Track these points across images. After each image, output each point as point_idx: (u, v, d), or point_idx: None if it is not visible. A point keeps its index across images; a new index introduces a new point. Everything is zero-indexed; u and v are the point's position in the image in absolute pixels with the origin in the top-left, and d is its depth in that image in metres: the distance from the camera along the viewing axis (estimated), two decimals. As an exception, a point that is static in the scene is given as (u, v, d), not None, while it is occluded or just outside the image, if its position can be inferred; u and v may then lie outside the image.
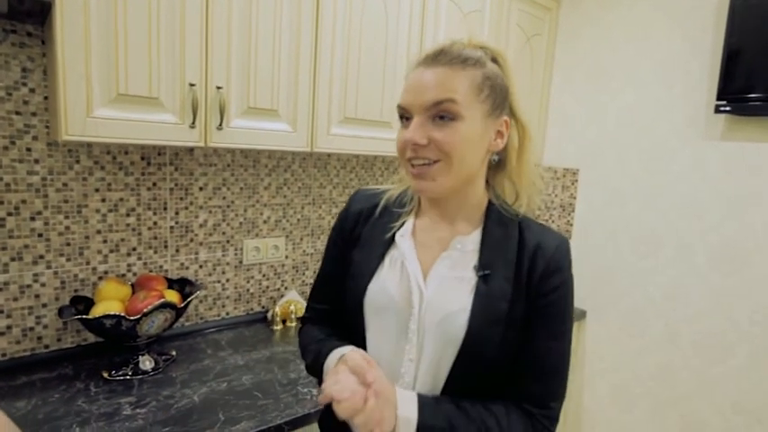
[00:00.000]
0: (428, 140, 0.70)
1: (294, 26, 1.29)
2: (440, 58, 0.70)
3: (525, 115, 0.77)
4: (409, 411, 0.68)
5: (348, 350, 0.76)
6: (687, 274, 1.76)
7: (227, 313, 1.63)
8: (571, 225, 2.09)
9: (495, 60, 0.75)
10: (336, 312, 0.88)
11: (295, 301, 1.69)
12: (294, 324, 1.65)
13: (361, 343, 0.81)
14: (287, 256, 1.75)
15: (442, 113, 0.69)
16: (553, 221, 2.16)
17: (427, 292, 0.75)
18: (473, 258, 0.76)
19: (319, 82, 1.36)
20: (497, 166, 0.80)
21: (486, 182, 0.80)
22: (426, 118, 0.70)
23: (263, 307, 1.71)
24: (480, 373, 0.73)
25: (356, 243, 0.85)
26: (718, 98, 1.57)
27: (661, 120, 1.80)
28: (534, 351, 0.73)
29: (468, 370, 0.73)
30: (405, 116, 0.74)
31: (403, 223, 0.82)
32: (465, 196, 0.77)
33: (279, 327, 1.62)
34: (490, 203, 0.79)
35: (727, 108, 1.56)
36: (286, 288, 1.76)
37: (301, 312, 1.70)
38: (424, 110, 0.70)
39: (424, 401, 0.70)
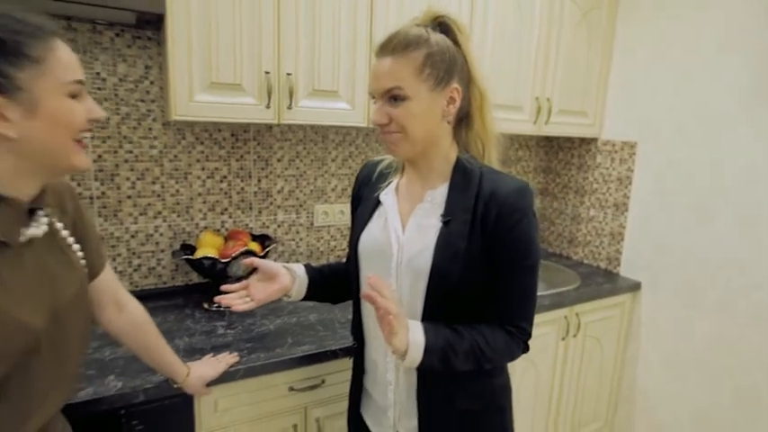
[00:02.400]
0: (388, 119, 0.85)
1: (351, 16, 1.50)
2: (387, 46, 0.84)
3: (481, 78, 0.89)
4: (418, 335, 0.83)
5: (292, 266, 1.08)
6: (744, 244, 1.74)
7: (301, 267, 1.92)
8: (628, 198, 2.12)
9: (446, 28, 0.86)
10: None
11: (358, 260, 1.93)
12: (356, 279, 1.90)
13: (356, 280, 1.02)
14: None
15: (393, 96, 0.84)
16: (610, 194, 2.20)
17: (403, 238, 0.93)
18: (441, 208, 0.90)
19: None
20: (465, 123, 0.92)
21: (457, 140, 0.94)
22: (385, 101, 0.86)
23: (331, 264, 1.98)
24: (448, 301, 0.89)
25: (359, 203, 1.06)
26: (781, 64, 1.53)
27: (723, 89, 1.76)
28: (503, 283, 0.88)
29: (437, 298, 0.89)
30: (373, 98, 0.90)
31: (389, 184, 1.01)
32: (431, 156, 0.91)
33: (343, 280, 1.88)
34: (457, 160, 0.92)
35: (790, 74, 1.52)
36: (351, 249, 2.01)
37: (363, 269, 1.95)
38: (381, 95, 0.86)
39: (427, 327, 0.85)
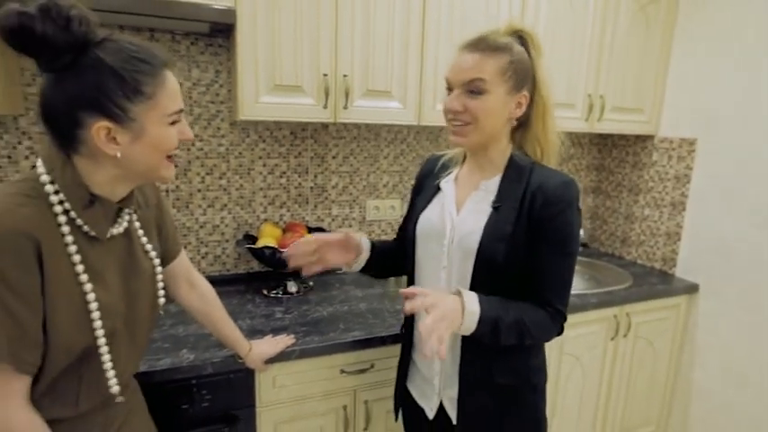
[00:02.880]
0: (463, 108, 0.94)
1: (404, 20, 1.57)
2: (477, 44, 0.94)
3: (547, 91, 0.99)
4: (473, 305, 0.90)
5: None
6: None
7: (353, 259, 2.02)
8: (686, 197, 2.06)
9: (524, 41, 0.97)
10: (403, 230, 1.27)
11: (407, 254, 2.00)
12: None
13: (412, 259, 1.12)
14: (402, 216, 2.05)
15: (473, 88, 0.93)
16: (666, 193, 2.14)
17: (457, 220, 1.02)
18: (493, 196, 1.00)
19: (426, 66, 1.62)
20: (525, 127, 1.02)
21: (513, 140, 1.03)
22: (463, 91, 0.95)
23: (381, 257, 2.06)
24: (493, 278, 0.97)
25: (420, 192, 1.18)
26: None
27: (791, 84, 1.68)
28: (543, 266, 0.96)
29: (483, 275, 0.97)
30: (449, 87, 0.99)
31: (449, 174, 1.11)
32: (490, 150, 1.01)
33: (392, 273, 1.96)
34: (512, 155, 1.02)
35: None
36: (400, 243, 2.08)
37: (412, 263, 2.02)
38: (461, 84, 0.95)
39: (481, 298, 0.92)
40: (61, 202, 0.74)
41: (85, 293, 0.76)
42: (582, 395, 1.93)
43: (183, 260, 1.10)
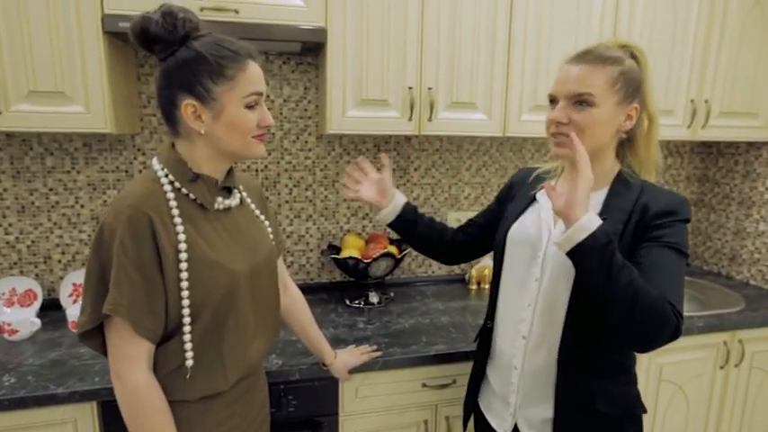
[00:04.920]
0: (568, 120, 0.91)
1: (490, 31, 1.55)
2: (584, 56, 0.92)
3: (654, 106, 0.95)
4: (596, 217, 0.82)
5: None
6: None
7: (433, 272, 2.00)
8: (811, 211, 1.82)
9: (634, 57, 0.94)
10: (471, 226, 1.29)
11: (489, 267, 1.95)
12: (487, 286, 1.92)
13: (498, 266, 1.09)
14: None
15: (580, 101, 0.90)
16: (787, 206, 1.90)
17: (555, 231, 0.98)
18: (596, 210, 0.93)
19: (512, 76, 1.58)
20: (628, 143, 0.98)
21: (619, 156, 0.99)
22: (568, 103, 0.91)
23: (462, 270, 2.03)
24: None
25: (512, 200, 1.15)
26: None
27: None
28: (651, 263, 0.86)
29: (583, 291, 0.91)
30: (553, 101, 0.96)
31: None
32: (594, 164, 0.91)
33: (474, 287, 1.92)
34: (619, 172, 0.97)
35: None
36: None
37: (494, 277, 1.96)
38: (566, 97, 0.91)
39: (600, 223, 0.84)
40: (171, 183, 0.85)
41: (197, 253, 0.83)
42: (687, 427, 1.76)
43: (280, 262, 1.15)
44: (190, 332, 0.83)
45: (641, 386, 1.04)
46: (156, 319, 0.81)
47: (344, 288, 1.82)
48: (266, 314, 0.99)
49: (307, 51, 1.62)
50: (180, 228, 0.82)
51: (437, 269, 2.00)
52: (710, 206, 2.25)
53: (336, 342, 1.40)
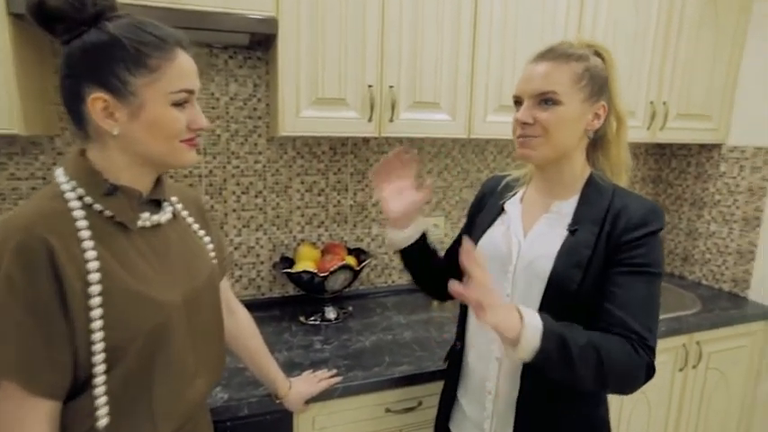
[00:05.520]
0: (533, 120, 0.86)
1: (455, 27, 1.45)
2: (547, 54, 0.87)
3: (623, 106, 0.91)
4: (534, 318, 0.76)
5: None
6: None
7: (393, 281, 1.90)
8: (761, 211, 1.86)
9: (599, 56, 0.89)
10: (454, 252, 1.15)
11: (451, 275, 1.87)
12: (450, 295, 1.84)
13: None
14: (446, 234, 1.93)
15: (545, 99, 0.85)
16: (737, 207, 1.94)
17: (524, 244, 0.93)
18: (567, 219, 0.90)
19: (477, 75, 1.50)
20: (599, 145, 0.94)
21: (589, 158, 0.94)
22: (533, 103, 0.87)
23: (424, 278, 1.93)
24: (564, 308, 0.84)
25: (480, 211, 1.09)
26: None
27: None
28: (622, 292, 0.82)
29: (553, 304, 0.86)
30: (518, 102, 0.91)
31: (514, 194, 1.02)
32: (563, 167, 0.92)
33: (436, 296, 1.83)
34: (590, 176, 0.93)
35: None
36: (444, 263, 1.95)
37: (457, 285, 1.88)
38: (531, 97, 0.87)
39: (542, 314, 0.78)
40: (80, 198, 0.69)
41: (115, 284, 0.67)
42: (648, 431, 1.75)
43: (225, 282, 1.00)
44: (105, 382, 0.67)
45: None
46: (58, 372, 0.64)
47: (299, 303, 1.68)
48: (208, 347, 0.83)
49: (256, 44, 1.46)
50: (91, 254, 0.65)
51: (397, 278, 1.90)
52: (664, 207, 2.28)
53: (291, 367, 1.26)
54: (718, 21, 1.83)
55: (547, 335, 0.75)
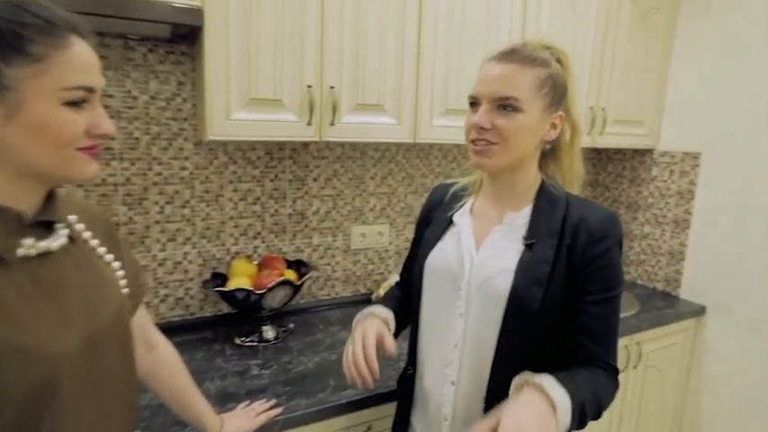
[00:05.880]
0: (492, 125, 0.81)
1: (399, 26, 1.37)
2: (510, 55, 0.82)
3: (578, 114, 0.88)
4: (563, 398, 0.71)
5: (374, 309, 0.99)
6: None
7: (336, 293, 1.79)
8: (689, 214, 1.94)
9: (559, 61, 0.85)
10: (404, 272, 1.10)
11: (398, 285, 1.79)
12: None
13: (417, 302, 0.96)
14: (390, 242, 1.86)
15: (505, 104, 0.80)
16: (669, 210, 2.02)
17: (477, 258, 0.87)
18: (522, 231, 0.86)
19: (422, 77, 1.43)
20: (551, 154, 0.90)
21: (541, 167, 0.91)
22: (492, 107, 0.81)
23: (369, 289, 1.84)
24: (525, 329, 0.82)
25: (428, 224, 1.02)
26: None
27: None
28: (591, 318, 0.81)
29: (515, 326, 0.82)
30: (474, 103, 0.85)
31: (463, 204, 0.96)
32: (517, 176, 0.87)
33: (383, 308, 1.74)
34: (542, 184, 0.89)
35: None
36: (389, 272, 1.87)
37: (403, 295, 1.81)
38: (490, 100, 0.81)
39: (563, 381, 0.73)
40: None
41: None
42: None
43: (140, 312, 0.85)
44: None
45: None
46: None
47: (234, 322, 1.53)
48: (115, 398, 0.68)
49: (179, 37, 1.30)
50: None
51: (341, 290, 1.80)
52: (600, 210, 2.34)
53: (224, 399, 1.12)
54: (649, 35, 1.89)
55: (574, 410, 0.72)
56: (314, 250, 1.72)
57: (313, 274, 1.51)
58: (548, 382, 0.73)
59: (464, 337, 0.87)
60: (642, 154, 2.11)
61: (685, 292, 1.99)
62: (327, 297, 1.78)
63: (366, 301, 1.80)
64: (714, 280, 1.89)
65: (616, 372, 0.84)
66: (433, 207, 1.03)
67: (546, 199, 0.87)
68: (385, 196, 1.82)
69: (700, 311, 1.92)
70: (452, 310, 0.89)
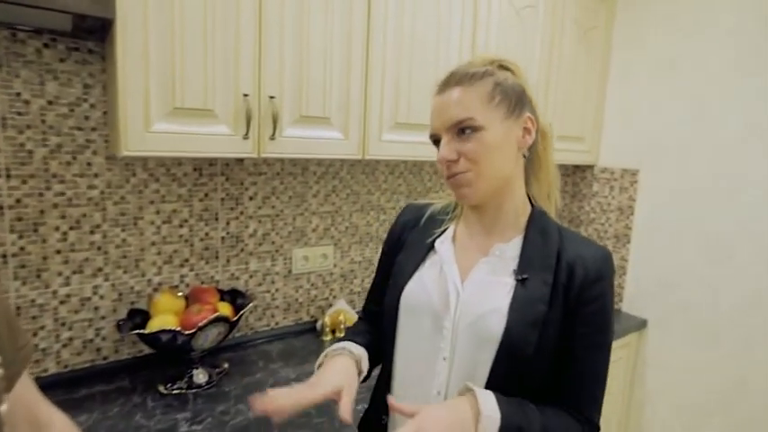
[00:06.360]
0: (457, 154, 0.75)
1: (345, 34, 1.26)
2: (450, 80, 0.77)
3: (542, 118, 0.81)
4: (491, 405, 0.68)
5: (347, 345, 0.84)
6: (766, 280, 1.62)
7: (277, 323, 1.62)
8: (630, 229, 1.98)
9: (506, 69, 0.79)
10: (371, 303, 0.97)
11: (344, 311, 1.65)
12: (343, 335, 1.62)
13: (391, 341, 0.85)
14: (335, 265, 1.71)
15: (463, 128, 0.74)
16: (610, 225, 2.05)
17: (464, 293, 0.78)
18: (512, 264, 0.78)
19: (371, 88, 1.32)
20: (530, 166, 0.82)
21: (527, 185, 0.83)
22: (452, 136, 0.75)
23: (312, 317, 1.69)
24: (517, 374, 0.73)
25: (401, 248, 0.90)
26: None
27: (737, 113, 1.66)
28: (576, 362, 0.75)
29: (507, 371, 0.73)
30: (436, 141, 0.79)
31: (444, 230, 0.86)
32: (503, 201, 0.79)
33: (328, 337, 1.59)
34: (533, 211, 0.81)
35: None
36: (335, 297, 1.73)
37: (350, 322, 1.67)
38: (447, 130, 0.76)
39: (499, 398, 0.70)
40: None
41: None
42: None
43: (23, 384, 0.65)
44: None
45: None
46: None
47: (157, 366, 1.32)
48: None
49: (85, 32, 1.09)
50: None
51: (281, 319, 1.63)
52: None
53: (146, 468, 0.93)
54: (589, 53, 1.93)
55: (504, 427, 0.67)
56: (251, 277, 1.53)
57: (251, 306, 1.33)
58: (484, 393, 0.70)
59: (448, 383, 0.78)
60: (583, 170, 2.14)
61: (627, 306, 2.02)
62: (267, 328, 1.60)
63: (310, 330, 1.65)
64: (654, 294, 1.93)
65: (593, 428, 0.76)
66: (405, 229, 0.92)
67: (537, 229, 0.79)
68: (329, 215, 1.67)
69: (641, 325, 1.95)
70: (435, 353, 0.79)
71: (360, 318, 1.03)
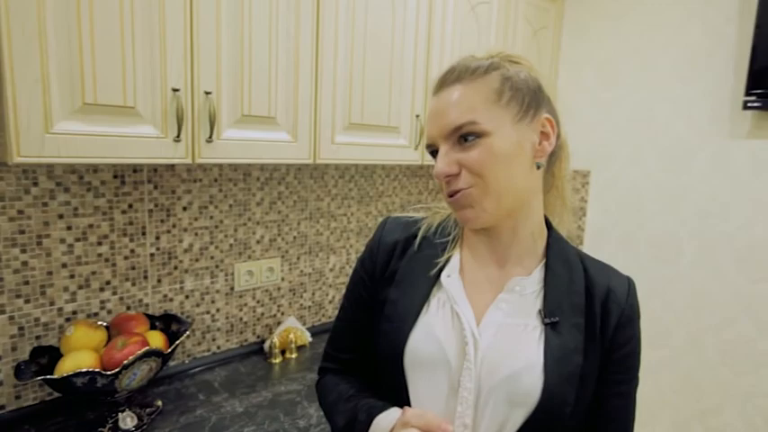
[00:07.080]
0: (458, 167, 0.61)
1: (292, 22, 1.11)
2: (448, 77, 0.63)
3: (560, 127, 0.67)
4: None
5: (398, 413, 0.62)
6: (712, 279, 1.66)
7: (219, 347, 1.44)
8: (582, 230, 1.98)
9: (514, 62, 0.65)
10: (364, 363, 0.75)
11: (294, 329, 1.50)
12: (295, 355, 1.47)
13: (400, 404, 0.65)
14: (283, 279, 1.56)
15: (464, 134, 0.61)
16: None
17: (483, 342, 0.63)
18: (535, 302, 0.65)
19: (322, 85, 1.19)
20: (545, 181, 0.69)
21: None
22: (452, 144, 0.62)
23: (259, 337, 1.52)
24: None
25: (391, 280, 0.71)
26: (747, 93, 1.47)
27: (680, 117, 1.69)
28: (609, 416, 0.66)
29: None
30: (433, 151, 0.66)
31: (449, 258, 0.70)
32: (518, 223, 0.66)
33: (278, 359, 1.44)
34: (551, 235, 0.69)
35: (757, 104, 1.46)
36: (283, 314, 1.57)
37: (302, 341, 1.52)
38: (446, 137, 0.62)
39: None
40: None
41: None
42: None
43: None
44: None
45: None
46: None
47: (72, 410, 1.11)
48: None
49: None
50: None
51: (224, 342, 1.45)
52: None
53: None
54: (540, 53, 1.90)
55: None
56: (187, 297, 1.35)
57: (188, 333, 1.15)
58: None
59: None
60: (534, 170, 2.12)
61: (579, 306, 2.02)
62: (207, 353, 1.42)
63: (257, 351, 1.48)
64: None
65: None
66: (393, 255, 0.73)
67: (559, 258, 0.67)
68: (274, 225, 1.52)
69: (594, 325, 1.95)
70: (451, 418, 0.63)
71: (328, 369, 0.79)
